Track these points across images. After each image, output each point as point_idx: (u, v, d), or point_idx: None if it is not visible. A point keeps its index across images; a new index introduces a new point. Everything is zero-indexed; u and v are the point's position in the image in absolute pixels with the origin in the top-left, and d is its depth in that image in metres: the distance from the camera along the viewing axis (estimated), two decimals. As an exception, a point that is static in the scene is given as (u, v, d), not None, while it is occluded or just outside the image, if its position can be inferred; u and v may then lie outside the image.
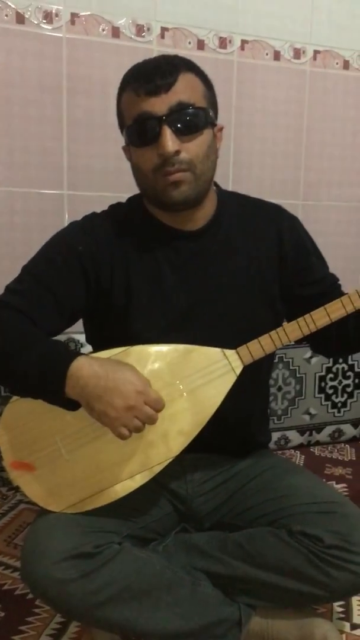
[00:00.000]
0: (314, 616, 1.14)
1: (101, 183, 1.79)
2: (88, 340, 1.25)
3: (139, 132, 1.05)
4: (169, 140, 1.01)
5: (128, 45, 1.76)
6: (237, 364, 1.06)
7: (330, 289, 1.22)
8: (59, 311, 1.10)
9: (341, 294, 1.17)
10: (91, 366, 0.96)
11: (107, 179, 1.79)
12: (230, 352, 1.06)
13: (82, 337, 1.77)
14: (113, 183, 1.78)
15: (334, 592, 1.07)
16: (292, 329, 1.06)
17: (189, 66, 1.06)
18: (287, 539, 1.08)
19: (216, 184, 1.19)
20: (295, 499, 1.13)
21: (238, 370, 1.06)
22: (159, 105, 1.01)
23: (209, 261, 1.15)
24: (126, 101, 1.07)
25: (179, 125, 1.02)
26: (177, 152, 1.02)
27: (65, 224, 1.18)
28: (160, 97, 1.01)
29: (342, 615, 1.25)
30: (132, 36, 1.75)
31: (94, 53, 1.72)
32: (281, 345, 1.06)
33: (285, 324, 1.07)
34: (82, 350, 1.71)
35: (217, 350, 1.06)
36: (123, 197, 1.23)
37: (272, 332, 1.06)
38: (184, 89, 1.03)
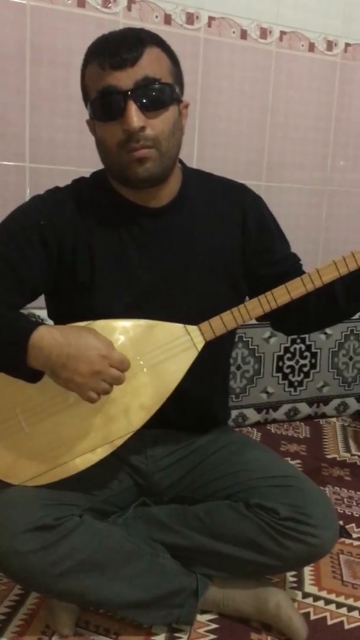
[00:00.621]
0: (268, 585, 1.17)
1: (64, 156, 1.76)
2: (50, 316, 1.24)
3: (103, 106, 1.03)
4: (134, 116, 0.99)
5: (94, 15, 1.72)
6: (198, 340, 1.07)
7: (292, 269, 1.24)
8: (20, 286, 1.08)
9: (302, 273, 1.19)
10: (52, 335, 0.96)
11: (70, 153, 1.76)
12: (192, 328, 1.07)
13: (42, 313, 1.75)
14: (76, 157, 1.76)
15: (288, 562, 1.11)
16: (254, 306, 1.08)
17: (156, 40, 1.04)
18: (244, 511, 1.11)
19: (181, 162, 1.19)
20: (253, 473, 1.16)
21: (200, 346, 1.07)
22: (124, 79, 0.99)
23: (173, 238, 1.15)
24: (91, 74, 1.04)
25: (144, 101, 1.00)
26: (143, 128, 1.01)
27: (27, 197, 1.17)
28: (125, 71, 0.99)
29: (295, 585, 1.29)
30: (98, 7, 1.72)
31: (58, 22, 1.68)
32: (242, 321, 1.08)
33: (247, 301, 1.08)
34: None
35: (180, 325, 1.07)
36: (86, 172, 1.21)
37: (234, 309, 1.07)
38: (150, 64, 1.01)
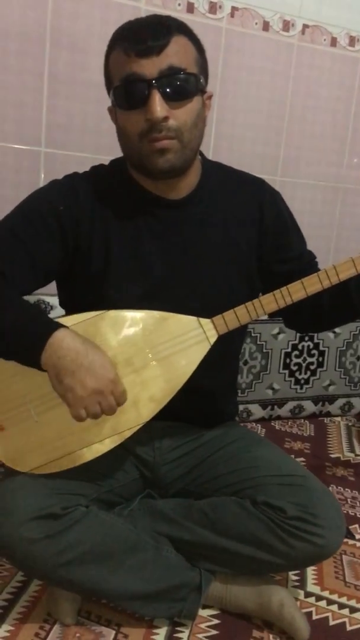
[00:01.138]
0: (272, 583, 1.17)
1: (79, 143, 1.74)
2: (61, 304, 1.23)
3: (126, 94, 1.01)
4: (158, 105, 0.98)
5: (116, 1, 1.69)
6: (211, 333, 1.06)
7: (307, 266, 1.22)
8: (33, 270, 1.08)
9: (318, 271, 1.18)
10: (74, 340, 0.95)
11: (86, 139, 1.74)
12: (205, 321, 1.06)
13: (52, 299, 1.75)
14: (92, 143, 1.74)
15: (293, 561, 1.10)
16: (268, 301, 1.06)
17: (183, 29, 1.02)
18: (251, 508, 1.11)
19: (201, 154, 1.17)
20: (261, 470, 1.15)
21: (212, 340, 1.06)
22: (150, 67, 0.98)
23: (189, 231, 1.14)
24: (115, 60, 1.03)
25: (168, 90, 0.99)
26: (166, 119, 0.99)
27: (41, 181, 1.14)
28: (151, 59, 0.98)
29: (297, 584, 1.29)
30: (121, -8, 1.70)
31: (80, 6, 1.66)
32: (257, 316, 1.07)
33: (261, 296, 1.07)
34: (52, 314, 1.69)
35: (193, 318, 1.06)
36: (101, 159, 1.20)
37: (248, 303, 1.06)
38: (176, 53, 0.99)
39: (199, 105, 1.05)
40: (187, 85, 1.01)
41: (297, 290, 1.06)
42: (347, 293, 1.12)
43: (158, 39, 0.98)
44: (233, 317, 1.06)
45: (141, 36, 0.98)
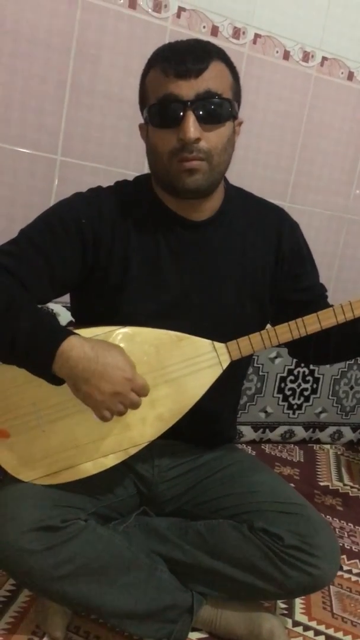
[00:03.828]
0: (263, 610, 1.17)
1: (95, 154, 1.75)
2: (73, 315, 1.23)
3: (161, 113, 1.02)
4: (192, 127, 0.99)
5: (143, 18, 1.72)
6: (224, 358, 1.07)
7: (318, 298, 1.24)
8: (51, 280, 1.08)
9: (327, 305, 1.19)
10: (82, 347, 0.94)
11: (102, 151, 1.75)
12: (219, 345, 1.07)
13: (56, 307, 1.74)
14: (108, 155, 1.75)
15: (287, 590, 1.10)
16: (283, 331, 1.07)
17: (221, 55, 1.04)
18: (248, 533, 1.11)
19: (225, 179, 1.18)
20: (259, 496, 1.16)
21: (225, 365, 1.07)
22: (187, 89, 0.99)
23: (208, 253, 1.15)
24: (153, 79, 1.04)
25: (202, 113, 1.00)
26: (198, 140, 1.01)
27: (54, 188, 1.14)
28: (189, 82, 0.99)
29: (285, 612, 1.28)
30: (149, 10, 1.72)
31: (108, 20, 1.68)
32: (270, 345, 1.07)
33: (277, 325, 1.07)
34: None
35: (207, 341, 1.07)
36: (116, 172, 1.20)
37: (263, 332, 1.07)
38: (214, 78, 1.01)
39: (230, 131, 1.06)
40: (221, 110, 1.02)
41: (312, 323, 1.06)
42: (356, 331, 1.13)
43: (198, 63, 0.99)
44: (247, 344, 1.06)
45: (182, 58, 0.99)
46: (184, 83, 0.99)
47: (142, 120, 1.10)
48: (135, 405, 0.98)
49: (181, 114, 1.00)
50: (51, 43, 1.64)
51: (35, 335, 0.96)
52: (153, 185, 1.14)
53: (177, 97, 1.00)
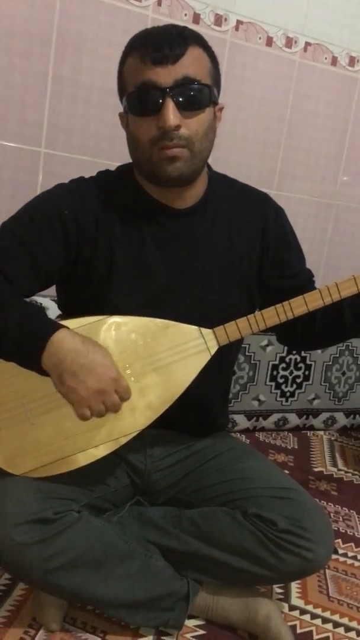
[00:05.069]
0: (258, 596, 1.17)
1: (80, 145, 1.74)
2: (60, 307, 1.23)
3: (140, 100, 1.01)
4: (171, 114, 0.98)
5: (123, 7, 1.70)
6: (212, 344, 1.07)
7: (306, 284, 1.24)
8: (35, 272, 1.07)
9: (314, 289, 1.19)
10: (74, 340, 0.95)
11: (87, 142, 1.74)
12: (207, 331, 1.06)
13: (44, 300, 1.73)
14: (92, 147, 1.74)
15: (282, 574, 1.11)
16: (270, 314, 1.07)
17: (199, 40, 1.03)
18: (242, 519, 1.11)
19: (208, 165, 1.18)
20: (252, 482, 1.16)
21: (213, 350, 1.07)
22: (165, 76, 0.98)
23: (193, 241, 1.14)
24: (130, 66, 1.03)
25: (181, 100, 0.99)
26: (178, 127, 1.00)
27: (39, 181, 1.13)
28: (166, 68, 0.98)
29: (281, 597, 1.29)
30: (129, -1, 1.71)
31: (87, 10, 1.66)
32: (257, 329, 1.07)
33: (263, 309, 1.07)
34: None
35: (194, 328, 1.06)
36: (101, 163, 1.20)
37: (250, 316, 1.06)
38: (192, 63, 1.00)
39: (210, 116, 1.05)
40: (200, 96, 1.02)
41: (299, 306, 1.06)
42: (341, 314, 1.13)
43: (175, 48, 0.98)
44: (234, 329, 1.06)
45: (158, 44, 0.98)
46: (162, 70, 0.98)
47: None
48: (115, 408, 0.98)
49: (160, 101, 0.99)
50: (31, 34, 1.62)
51: (26, 326, 0.96)
52: (135, 174, 1.13)
53: (155, 84, 0.99)
